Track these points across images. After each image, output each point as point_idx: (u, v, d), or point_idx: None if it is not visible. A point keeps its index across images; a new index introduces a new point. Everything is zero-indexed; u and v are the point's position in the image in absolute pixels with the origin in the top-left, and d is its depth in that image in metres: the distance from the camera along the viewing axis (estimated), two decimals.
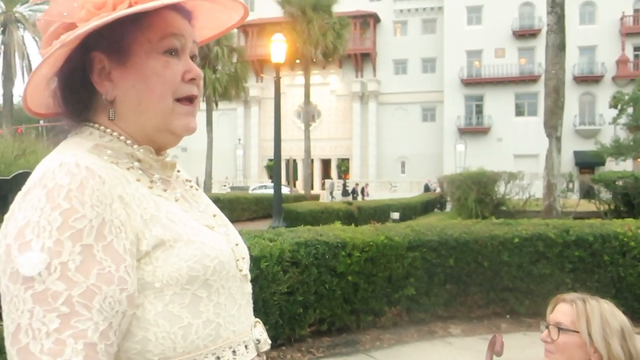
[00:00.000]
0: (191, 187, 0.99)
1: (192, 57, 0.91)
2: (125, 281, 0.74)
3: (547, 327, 1.62)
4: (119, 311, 0.73)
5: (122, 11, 0.79)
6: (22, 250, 0.71)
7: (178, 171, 0.98)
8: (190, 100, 0.89)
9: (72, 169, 0.75)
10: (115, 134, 0.87)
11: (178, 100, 0.87)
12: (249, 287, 0.94)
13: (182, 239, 0.81)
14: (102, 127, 0.87)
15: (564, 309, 1.60)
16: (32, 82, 0.84)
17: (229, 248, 0.89)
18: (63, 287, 0.70)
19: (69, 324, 0.69)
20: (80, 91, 0.86)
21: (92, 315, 0.70)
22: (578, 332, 1.54)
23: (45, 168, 0.77)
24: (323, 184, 40.98)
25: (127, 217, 0.77)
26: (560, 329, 1.57)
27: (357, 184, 36.07)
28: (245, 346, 0.88)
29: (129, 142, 0.87)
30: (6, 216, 0.76)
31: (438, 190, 32.06)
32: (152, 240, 0.79)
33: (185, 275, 0.80)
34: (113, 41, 0.83)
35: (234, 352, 0.86)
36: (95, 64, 0.85)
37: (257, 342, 0.92)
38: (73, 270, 0.71)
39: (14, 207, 0.76)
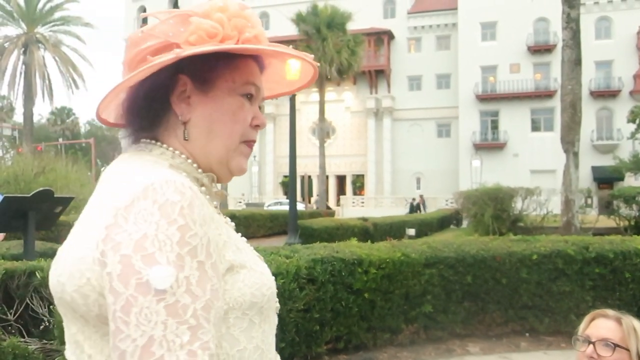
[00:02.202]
0: (219, 214, 1.01)
1: (259, 108, 0.98)
2: (222, 298, 0.78)
3: (590, 343, 1.56)
4: (220, 326, 0.78)
5: (239, 46, 0.87)
6: (148, 262, 0.71)
7: None
8: (250, 144, 0.96)
9: (179, 187, 0.77)
10: (183, 156, 0.91)
11: (242, 142, 0.94)
12: (277, 318, 0.98)
13: (246, 266, 0.86)
14: (170, 148, 0.91)
15: (608, 325, 1.56)
16: (120, 87, 0.88)
17: (273, 279, 0.93)
18: (189, 300, 0.72)
19: (196, 335, 0.71)
20: (156, 107, 0.91)
21: (211, 328, 0.73)
22: (628, 349, 1.51)
23: (147, 183, 0.77)
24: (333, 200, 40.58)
25: (218, 238, 0.82)
26: (616, 345, 1.52)
27: (413, 199, 35.55)
28: None
29: (194, 165, 0.92)
30: (104, 225, 0.76)
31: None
32: (225, 265, 0.83)
33: (248, 301, 0.84)
34: (203, 70, 0.90)
35: None
36: (179, 86, 0.90)
37: None
38: (194, 284, 0.73)
39: (115, 218, 0.75)
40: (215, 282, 0.75)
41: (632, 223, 15.28)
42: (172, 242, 0.72)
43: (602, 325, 1.58)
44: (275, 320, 0.94)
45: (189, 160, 0.91)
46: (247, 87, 0.93)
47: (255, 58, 0.95)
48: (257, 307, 0.85)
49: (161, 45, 0.88)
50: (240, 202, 41.38)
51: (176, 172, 0.84)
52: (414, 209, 32.10)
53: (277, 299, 0.95)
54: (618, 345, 1.52)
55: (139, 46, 0.90)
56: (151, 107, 0.90)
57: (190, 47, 0.85)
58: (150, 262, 0.71)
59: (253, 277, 0.86)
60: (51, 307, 3.36)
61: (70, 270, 0.78)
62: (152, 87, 0.88)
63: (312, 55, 0.99)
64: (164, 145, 0.91)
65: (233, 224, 0.99)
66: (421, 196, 36.59)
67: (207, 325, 0.72)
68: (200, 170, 0.92)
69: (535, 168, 40.04)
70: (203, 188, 0.91)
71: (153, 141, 0.92)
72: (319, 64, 1.07)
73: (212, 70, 0.90)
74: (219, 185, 0.98)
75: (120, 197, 0.77)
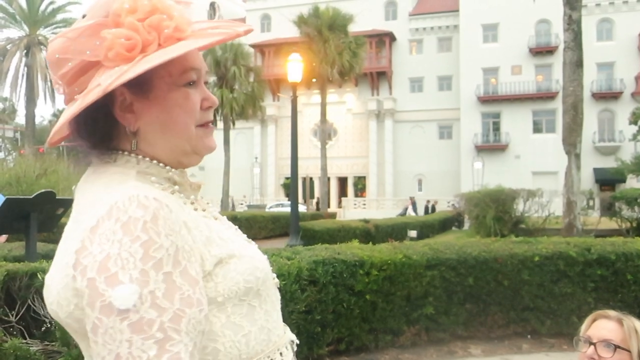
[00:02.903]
0: (207, 204, 1.02)
1: (205, 84, 0.95)
2: (201, 302, 0.78)
3: (591, 344, 1.56)
4: (200, 330, 0.78)
5: (160, 58, 0.81)
6: (110, 283, 0.72)
7: None
8: (208, 124, 0.95)
9: (142, 201, 0.77)
10: (147, 159, 0.90)
11: (199, 126, 0.92)
12: (278, 293, 1.00)
13: (235, 255, 0.87)
14: (133, 154, 0.89)
15: (609, 326, 1.55)
16: (64, 124, 0.86)
17: (265, 259, 0.95)
18: (155, 315, 0.72)
19: (164, 348, 0.72)
20: (102, 123, 0.88)
21: (182, 338, 0.73)
22: (630, 351, 1.50)
23: (112, 202, 0.78)
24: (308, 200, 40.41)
25: (193, 241, 0.81)
26: (616, 346, 1.51)
27: (428, 201, 35.63)
28: (286, 347, 0.95)
29: (161, 165, 0.91)
30: (74, 249, 0.78)
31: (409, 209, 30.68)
32: (212, 260, 0.84)
33: (243, 287, 0.86)
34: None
35: (281, 353, 0.93)
36: (117, 97, 0.86)
37: (292, 342, 0.99)
38: (160, 297, 0.73)
39: (82, 241, 0.77)
40: (186, 290, 0.76)
41: (634, 225, 15.25)
42: (135, 259, 0.73)
43: (603, 326, 1.57)
44: (277, 296, 0.96)
45: (154, 162, 0.90)
46: (186, 76, 0.89)
47: None
48: (253, 291, 0.87)
49: (82, 64, 0.84)
50: (242, 204, 41.38)
51: (142, 182, 0.85)
52: (428, 210, 31.91)
53: (274, 276, 0.97)
54: (619, 347, 1.51)
55: (61, 69, 0.86)
56: (98, 126, 0.88)
57: (110, 65, 0.82)
58: (113, 282, 0.72)
59: (243, 263, 0.87)
60: None
61: (58, 299, 0.81)
62: (92, 108, 0.84)
63: (238, 29, 0.89)
64: (125, 152, 0.89)
65: (214, 209, 1.00)
66: (411, 198, 36.63)
67: (177, 336, 0.73)
68: (168, 167, 0.91)
69: (537, 170, 40.01)
70: (176, 186, 0.91)
71: (118, 150, 0.90)
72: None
73: (145, 71, 0.84)
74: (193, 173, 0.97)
75: (87, 219, 0.79)
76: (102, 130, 0.88)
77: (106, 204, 0.78)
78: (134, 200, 0.77)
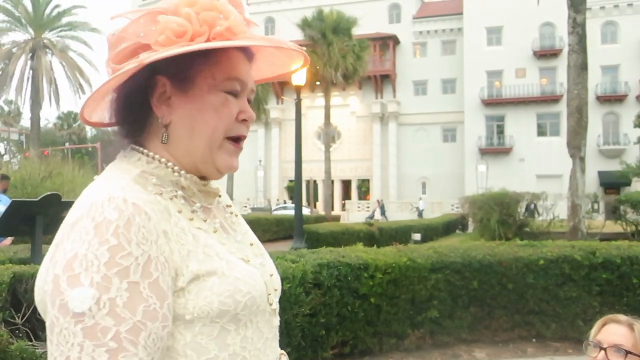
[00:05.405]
0: (231, 213, 1.00)
1: (248, 102, 0.94)
2: (167, 318, 0.76)
3: (602, 349, 1.53)
4: (160, 347, 0.75)
5: (201, 45, 0.83)
6: (71, 283, 0.72)
7: (219, 196, 0.99)
8: (238, 140, 0.92)
9: (119, 205, 0.76)
10: (163, 160, 0.89)
11: (228, 138, 0.90)
12: (276, 321, 0.94)
13: (216, 274, 0.82)
14: (150, 153, 0.89)
15: (620, 331, 1.53)
16: (97, 94, 0.86)
17: (262, 282, 0.89)
18: (112, 323, 0.71)
19: (116, 358, 0.70)
20: (138, 111, 0.89)
21: (138, 351, 0.72)
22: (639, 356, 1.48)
23: (94, 200, 0.78)
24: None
25: (171, 252, 0.79)
26: (627, 352, 1.49)
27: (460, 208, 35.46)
28: None
29: (175, 168, 0.89)
30: (54, 242, 0.78)
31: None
32: (188, 276, 0.80)
33: (216, 309, 0.80)
34: (180, 69, 0.87)
35: None
36: (158, 88, 0.87)
37: None
38: (121, 306, 0.72)
39: (62, 236, 0.77)
40: (152, 302, 0.74)
41: (639, 228, 15.20)
42: (99, 263, 0.72)
43: (613, 331, 1.55)
44: (270, 324, 0.91)
45: (170, 163, 0.88)
46: (229, 84, 0.89)
47: (240, 48, 0.90)
48: (230, 314, 0.82)
49: (135, 46, 0.85)
50: (245, 207, 41.40)
51: (140, 183, 0.84)
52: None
53: (272, 302, 0.91)
54: (630, 352, 1.49)
55: (116, 48, 0.87)
56: (132, 112, 0.88)
57: (159, 49, 0.83)
58: (74, 283, 0.72)
59: (224, 284, 0.82)
60: None
61: (37, 284, 0.81)
62: (131, 92, 0.87)
63: (291, 42, 0.93)
64: (145, 151, 0.89)
65: (236, 216, 0.98)
66: (378, 201, 36.57)
67: (133, 349, 0.71)
68: (182, 172, 0.89)
69: (541, 173, 39.92)
70: (180, 192, 0.88)
71: (136, 147, 0.90)
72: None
73: (190, 67, 0.87)
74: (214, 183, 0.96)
75: (72, 214, 0.79)
76: (135, 118, 0.89)
77: (89, 201, 0.78)
78: (112, 202, 0.76)
